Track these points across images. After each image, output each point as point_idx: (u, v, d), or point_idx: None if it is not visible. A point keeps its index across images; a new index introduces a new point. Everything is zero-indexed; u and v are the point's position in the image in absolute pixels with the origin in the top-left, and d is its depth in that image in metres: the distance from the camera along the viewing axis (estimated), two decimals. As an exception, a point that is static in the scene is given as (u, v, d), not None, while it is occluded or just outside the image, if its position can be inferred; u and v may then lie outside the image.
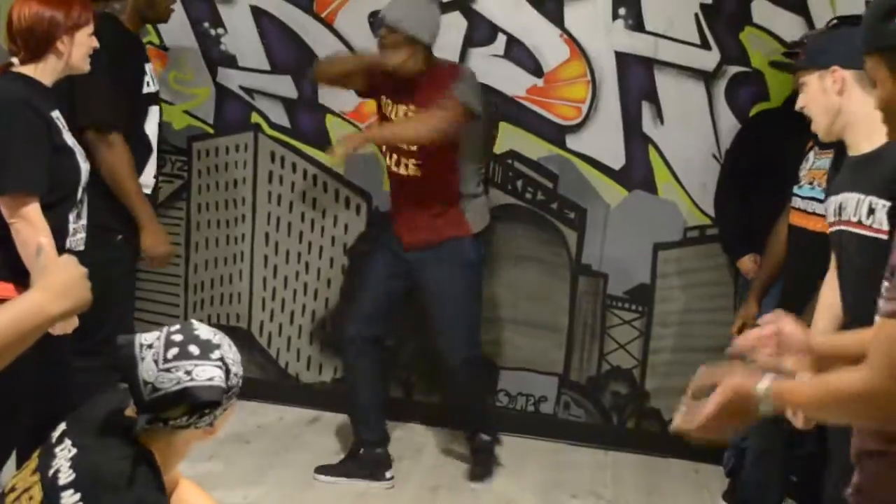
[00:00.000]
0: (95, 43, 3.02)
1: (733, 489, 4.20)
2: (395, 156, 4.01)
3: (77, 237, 3.07)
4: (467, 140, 3.96)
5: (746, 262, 4.15)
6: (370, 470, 4.14)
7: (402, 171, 4.02)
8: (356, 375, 4.22)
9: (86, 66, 3.01)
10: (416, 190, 4.02)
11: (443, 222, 4.04)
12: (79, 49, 2.95)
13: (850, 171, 2.56)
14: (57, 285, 1.73)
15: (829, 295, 2.75)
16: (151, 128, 3.76)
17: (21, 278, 2.88)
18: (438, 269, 4.04)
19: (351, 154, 3.86)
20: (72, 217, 3.02)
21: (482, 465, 4.25)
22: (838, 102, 2.61)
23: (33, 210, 2.83)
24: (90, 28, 2.98)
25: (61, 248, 2.89)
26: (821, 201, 3.19)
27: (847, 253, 2.55)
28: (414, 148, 3.91)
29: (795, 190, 3.36)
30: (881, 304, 1.70)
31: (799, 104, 2.77)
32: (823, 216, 3.17)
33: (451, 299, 4.07)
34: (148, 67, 3.79)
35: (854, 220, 2.46)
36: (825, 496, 3.00)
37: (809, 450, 3.60)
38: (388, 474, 4.15)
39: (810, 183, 3.28)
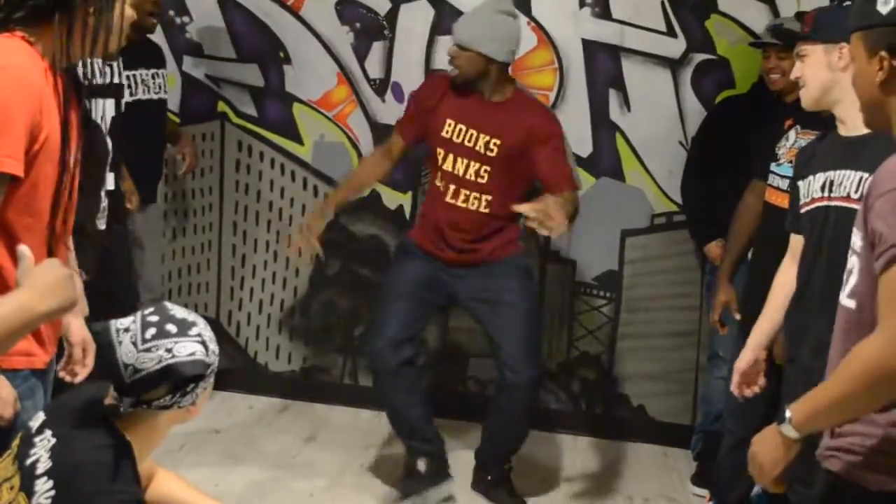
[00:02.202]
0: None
1: (701, 472, 4.24)
2: (462, 191, 3.76)
3: (102, 217, 3.08)
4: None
5: (713, 248, 4.18)
6: (433, 481, 3.91)
7: (464, 204, 3.77)
8: (396, 398, 3.89)
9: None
10: (475, 221, 3.79)
11: (503, 242, 3.85)
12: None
13: (846, 149, 2.60)
14: (43, 285, 1.73)
15: (787, 275, 2.83)
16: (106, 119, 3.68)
17: None
18: (505, 279, 3.81)
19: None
20: (101, 194, 3.03)
21: (514, 496, 3.99)
22: (837, 78, 2.66)
23: None
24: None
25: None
26: None
27: (832, 230, 2.59)
28: (482, 180, 3.73)
29: (773, 167, 3.35)
30: (876, 264, 1.74)
31: (794, 74, 2.79)
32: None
33: (519, 303, 3.81)
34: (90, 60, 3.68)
35: (855, 196, 2.49)
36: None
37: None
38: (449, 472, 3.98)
39: (790, 162, 3.27)
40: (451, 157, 3.77)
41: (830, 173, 2.62)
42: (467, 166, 3.74)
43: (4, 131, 1.94)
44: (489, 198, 3.75)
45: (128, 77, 4.10)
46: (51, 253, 2.10)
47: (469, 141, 3.74)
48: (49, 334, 2.25)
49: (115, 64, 3.69)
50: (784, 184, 3.28)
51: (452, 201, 3.78)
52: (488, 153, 3.72)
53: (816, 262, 2.68)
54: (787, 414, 1.92)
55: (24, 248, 1.79)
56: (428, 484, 3.88)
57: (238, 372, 4.94)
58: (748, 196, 3.58)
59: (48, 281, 1.74)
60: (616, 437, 4.73)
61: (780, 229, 3.32)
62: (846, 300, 1.92)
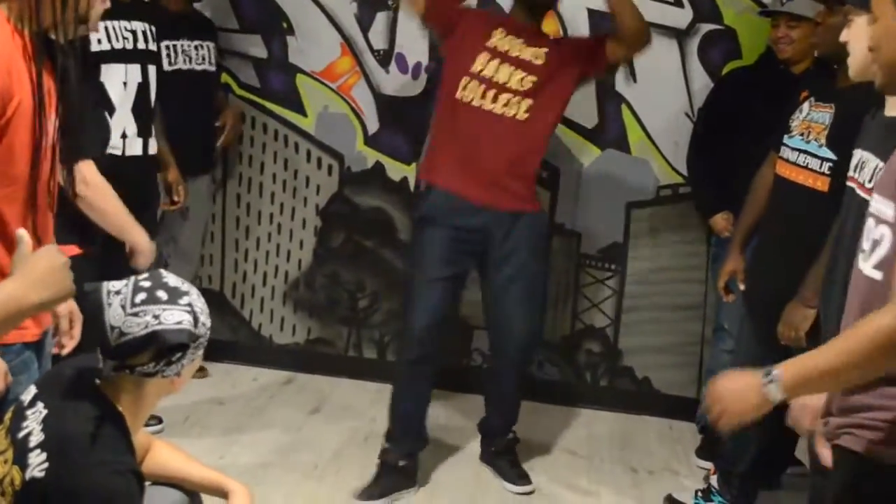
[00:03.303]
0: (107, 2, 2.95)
1: (706, 445, 4.24)
2: (501, 95, 3.62)
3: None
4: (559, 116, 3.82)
5: (719, 221, 4.15)
6: (405, 481, 3.81)
7: (501, 110, 3.61)
8: (414, 387, 3.85)
9: (97, 28, 2.91)
10: (510, 138, 3.62)
11: (525, 191, 3.74)
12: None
13: (879, 131, 2.45)
14: (36, 273, 1.70)
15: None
16: (114, 86, 3.67)
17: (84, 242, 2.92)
18: (521, 244, 3.71)
19: None
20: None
21: (518, 467, 3.97)
22: None
23: (95, 172, 2.83)
24: None
25: None
26: (813, 155, 3.17)
27: (855, 213, 2.43)
28: (529, 87, 3.63)
29: (785, 139, 3.31)
30: None
31: (843, 37, 2.71)
32: (811, 170, 3.17)
33: (530, 267, 3.75)
34: (103, 24, 3.64)
35: (868, 186, 2.40)
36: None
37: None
38: (416, 478, 3.86)
39: (801, 134, 3.23)
40: (495, 62, 3.65)
41: (863, 154, 2.53)
42: (510, 75, 3.64)
43: None
44: (530, 102, 3.62)
45: (167, 47, 4.10)
46: (33, 222, 2.07)
47: (518, 51, 3.67)
48: None
49: (143, 30, 3.69)
50: (794, 156, 3.25)
51: (490, 107, 3.62)
52: (536, 61, 3.66)
53: (842, 239, 2.60)
54: (775, 373, 1.85)
55: (22, 233, 1.76)
56: (404, 485, 3.80)
57: (242, 344, 4.94)
58: (766, 168, 3.53)
59: (43, 269, 1.71)
60: (621, 409, 4.73)
61: (788, 202, 3.30)
62: (871, 271, 1.87)
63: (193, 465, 2.40)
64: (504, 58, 3.66)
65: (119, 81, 3.64)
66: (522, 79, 3.64)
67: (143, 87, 3.67)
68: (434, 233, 3.72)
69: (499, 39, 3.69)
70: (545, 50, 3.68)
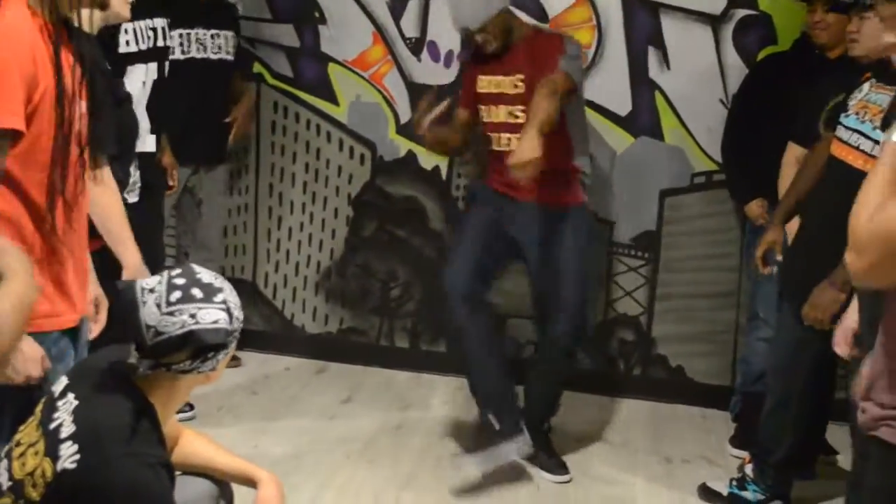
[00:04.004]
0: None
1: (740, 434, 4.21)
2: (503, 136, 3.79)
3: (135, 190, 3.08)
4: (572, 114, 3.80)
5: (754, 208, 4.12)
6: (513, 440, 3.83)
7: (508, 148, 3.68)
8: (471, 337, 3.88)
9: (127, 14, 2.91)
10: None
11: (564, 189, 3.84)
12: None
13: None
14: (27, 273, 1.69)
15: None
16: (134, 87, 3.69)
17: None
18: (568, 232, 3.81)
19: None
20: (132, 169, 3.03)
21: (556, 456, 3.96)
22: None
23: (108, 173, 2.84)
24: None
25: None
26: (866, 137, 3.10)
27: None
28: (518, 119, 3.69)
29: (842, 118, 3.23)
30: None
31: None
32: (863, 151, 3.10)
33: (574, 258, 3.82)
34: (133, 26, 3.70)
35: None
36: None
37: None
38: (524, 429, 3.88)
39: (857, 114, 3.15)
40: (489, 108, 3.82)
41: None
42: (500, 112, 3.79)
43: (2, 87, 1.92)
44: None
45: (181, 35, 4.11)
46: (50, 208, 2.08)
47: (497, 87, 3.79)
48: (77, 290, 2.23)
49: (163, 26, 3.70)
50: (848, 136, 3.15)
51: (499, 149, 3.80)
52: (516, 90, 3.74)
53: None
54: None
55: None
56: (499, 440, 3.81)
57: (275, 334, 4.96)
58: (821, 146, 3.45)
59: (27, 268, 1.71)
60: (654, 398, 4.70)
61: (838, 183, 3.20)
62: None
63: (222, 454, 2.40)
64: (493, 100, 3.81)
65: (139, 80, 3.65)
66: (511, 112, 3.77)
67: (157, 84, 3.68)
68: (475, 206, 4.08)
69: (484, 86, 3.84)
70: (521, 76, 3.72)
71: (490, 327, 3.96)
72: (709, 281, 4.62)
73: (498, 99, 3.80)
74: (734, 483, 3.72)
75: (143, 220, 3.14)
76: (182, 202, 4.42)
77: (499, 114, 3.80)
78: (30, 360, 2.07)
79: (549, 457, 3.97)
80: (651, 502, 3.78)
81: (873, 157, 3.03)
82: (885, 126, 3.02)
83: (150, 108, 3.68)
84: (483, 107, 3.86)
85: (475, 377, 3.93)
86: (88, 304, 2.37)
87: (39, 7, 2.02)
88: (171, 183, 4.15)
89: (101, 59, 2.22)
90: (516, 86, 3.74)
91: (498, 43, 3.75)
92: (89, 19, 2.12)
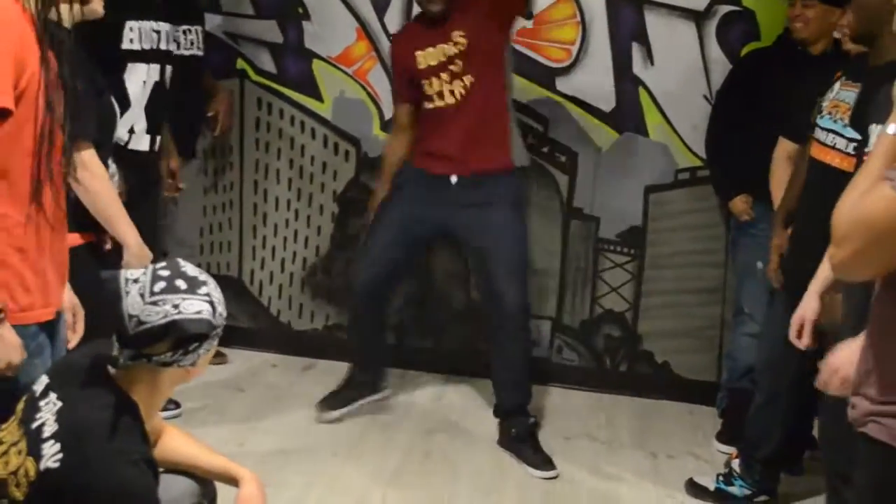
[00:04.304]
0: None
1: (726, 429, 4.22)
2: (446, 91, 3.86)
3: (115, 180, 3.10)
4: (507, 66, 3.94)
5: (738, 204, 4.12)
6: (368, 389, 4.28)
7: (446, 101, 3.87)
8: (363, 327, 4.27)
9: (100, 10, 2.91)
10: (462, 120, 3.87)
11: (497, 154, 3.93)
12: None
13: None
14: None
15: None
16: (135, 85, 3.69)
17: (83, 228, 2.94)
18: (497, 203, 3.93)
19: None
20: (108, 161, 3.03)
21: (542, 451, 3.98)
22: None
23: (94, 157, 2.85)
24: None
25: None
26: (840, 135, 3.13)
27: None
28: (465, 72, 3.83)
29: (817, 119, 3.27)
30: None
31: None
32: (839, 150, 3.12)
33: (511, 238, 3.96)
34: (139, 25, 3.71)
35: None
36: (820, 431, 3.03)
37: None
38: (384, 384, 4.35)
39: (830, 113, 3.18)
40: (433, 80, 3.88)
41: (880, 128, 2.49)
42: (446, 73, 3.87)
43: None
44: (471, 79, 3.84)
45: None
46: (35, 196, 2.07)
47: (440, 57, 3.86)
48: (55, 284, 2.22)
49: (167, 30, 3.74)
50: (827, 137, 3.18)
51: (443, 104, 3.89)
52: (457, 47, 3.83)
53: None
54: None
55: None
56: (365, 394, 4.26)
57: (261, 331, 4.95)
58: (800, 156, 3.50)
59: None
60: (640, 394, 4.71)
61: (820, 184, 3.24)
62: None
63: (204, 452, 2.40)
64: (435, 71, 3.87)
65: (139, 80, 3.67)
66: (452, 62, 3.85)
67: (158, 86, 3.70)
68: (404, 191, 4.12)
69: (423, 61, 3.89)
70: (461, 32, 3.82)
71: (383, 315, 4.34)
72: (694, 277, 4.63)
73: (442, 68, 3.86)
74: (721, 478, 3.73)
75: (136, 219, 3.14)
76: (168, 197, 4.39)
77: (445, 79, 3.87)
78: (10, 346, 2.06)
79: (535, 452, 3.98)
80: (638, 498, 3.78)
81: (848, 154, 3.06)
82: (853, 122, 3.06)
83: (149, 108, 3.69)
84: (425, 81, 3.90)
85: (361, 349, 4.31)
86: (66, 313, 2.36)
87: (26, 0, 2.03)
88: (180, 185, 4.16)
89: (81, 49, 2.22)
90: (457, 42, 3.83)
91: (441, 5, 3.83)
92: (69, 13, 2.12)
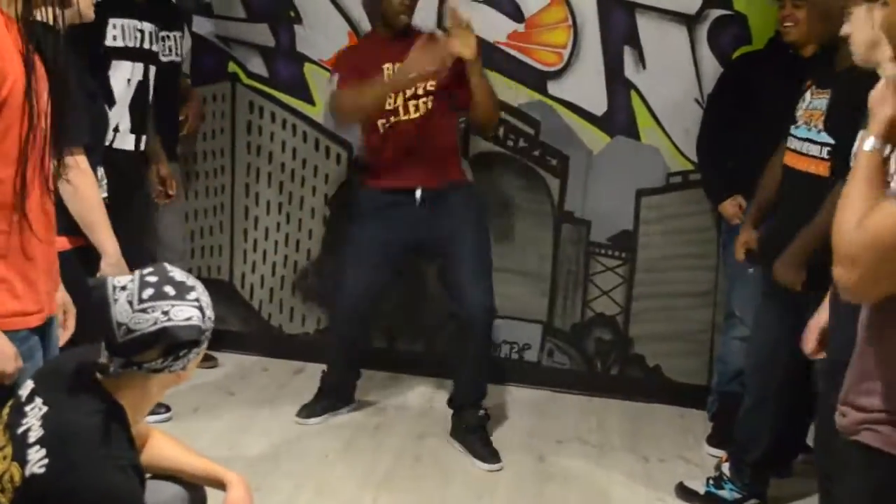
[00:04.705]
0: None
1: (717, 433, 4.22)
2: (410, 104, 3.90)
3: (102, 185, 3.12)
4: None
5: (728, 207, 4.13)
6: (343, 399, 4.36)
7: (410, 115, 3.91)
8: (346, 345, 4.31)
9: (91, 14, 2.92)
10: (422, 134, 3.91)
11: (453, 168, 4.04)
12: None
13: None
14: None
15: None
16: (119, 83, 3.69)
17: (74, 232, 2.94)
18: (460, 211, 3.99)
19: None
20: (99, 166, 3.05)
21: (489, 444, 4.05)
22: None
23: (85, 162, 2.87)
24: None
25: None
26: (813, 142, 3.17)
27: None
28: (431, 87, 3.88)
29: (792, 129, 3.31)
30: None
31: (843, 31, 2.68)
32: (812, 156, 3.17)
33: (474, 238, 4.01)
34: (121, 22, 3.71)
35: None
36: (816, 436, 3.03)
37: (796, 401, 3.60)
38: (354, 396, 4.42)
39: (806, 123, 3.23)
40: (396, 94, 3.90)
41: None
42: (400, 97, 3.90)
43: None
44: (431, 100, 3.91)
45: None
46: (20, 203, 2.06)
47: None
48: (45, 288, 2.21)
49: (151, 31, 3.79)
50: (802, 146, 3.24)
51: (406, 118, 3.91)
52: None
53: None
54: None
55: None
56: (344, 404, 4.36)
57: (252, 335, 4.94)
58: (776, 158, 3.52)
59: None
60: (631, 397, 4.71)
61: (794, 191, 3.29)
62: None
63: (190, 456, 2.39)
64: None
65: (124, 78, 3.68)
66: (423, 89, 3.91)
67: (142, 85, 3.74)
68: (368, 222, 4.15)
69: (389, 71, 3.92)
70: None
71: (365, 338, 4.51)
72: (686, 280, 4.64)
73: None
74: (711, 482, 3.73)
75: (121, 219, 3.13)
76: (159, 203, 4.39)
77: (398, 98, 3.90)
78: (4, 356, 2.05)
79: (483, 445, 4.02)
80: (629, 501, 3.78)
81: (822, 159, 3.12)
82: (827, 127, 3.08)
83: (133, 107, 3.69)
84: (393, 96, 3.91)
85: (338, 360, 4.35)
86: (57, 309, 2.36)
87: (8, 5, 2.01)
88: (170, 192, 4.16)
89: (71, 53, 2.21)
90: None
91: (409, 19, 3.93)
92: (53, 18, 2.11)
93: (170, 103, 4.31)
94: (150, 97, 3.80)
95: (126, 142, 3.70)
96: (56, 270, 2.30)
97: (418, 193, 3.97)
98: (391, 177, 4.01)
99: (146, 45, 3.75)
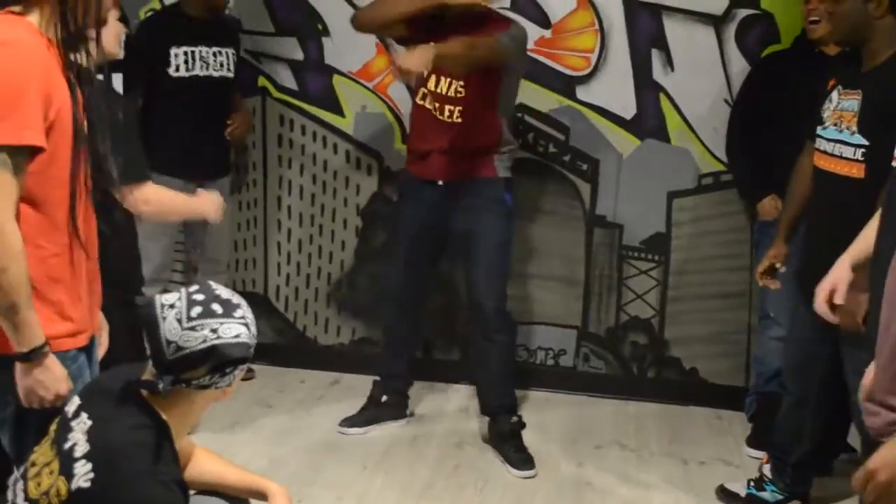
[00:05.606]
0: (123, 28, 3.01)
1: (756, 434, 4.20)
2: (437, 104, 3.92)
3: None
4: (504, 97, 3.97)
5: (766, 205, 4.10)
6: (394, 412, 4.34)
7: (446, 118, 3.92)
8: (395, 334, 4.34)
9: (117, 51, 2.97)
10: (457, 134, 3.91)
11: (482, 164, 3.99)
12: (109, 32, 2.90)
13: None
14: None
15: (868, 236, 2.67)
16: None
17: None
18: (475, 204, 3.98)
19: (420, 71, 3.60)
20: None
21: (523, 451, 4.04)
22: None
23: (154, 190, 3.07)
24: (116, 11, 2.94)
25: None
26: (846, 143, 3.13)
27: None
28: (461, 94, 3.86)
29: (819, 131, 3.27)
30: None
31: None
32: (846, 158, 3.13)
33: (487, 237, 4.00)
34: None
35: None
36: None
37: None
38: (407, 411, 4.40)
39: (835, 124, 3.19)
40: (433, 76, 3.88)
41: None
42: (449, 84, 3.89)
43: (20, 104, 1.94)
44: (460, 108, 3.89)
45: (185, 53, 4.15)
46: (72, 225, 2.10)
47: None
48: (91, 307, 2.25)
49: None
50: (830, 147, 3.21)
51: (440, 116, 3.92)
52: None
53: (890, 222, 2.53)
54: None
55: None
56: (391, 417, 4.33)
57: (288, 347, 4.96)
58: (804, 158, 3.49)
59: None
60: (669, 400, 4.70)
61: (829, 193, 3.26)
62: None
63: (232, 469, 2.41)
64: (440, 71, 3.83)
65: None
66: (456, 87, 3.88)
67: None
68: (409, 203, 4.20)
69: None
70: None
71: (416, 326, 4.40)
72: (720, 281, 4.62)
73: (443, 69, 3.83)
74: (752, 484, 3.71)
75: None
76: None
77: (443, 85, 3.90)
78: (58, 378, 2.09)
79: (517, 451, 4.02)
80: (668, 505, 3.77)
81: (857, 161, 3.07)
82: (862, 130, 3.05)
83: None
84: (431, 74, 3.87)
85: (387, 362, 4.35)
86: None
87: (49, 29, 2.05)
88: None
89: (99, 89, 2.27)
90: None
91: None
92: (88, 55, 2.15)
93: (221, 119, 4.38)
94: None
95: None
96: (98, 287, 2.34)
97: (440, 183, 4.01)
98: (419, 165, 4.06)
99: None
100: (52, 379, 2.08)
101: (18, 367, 2.06)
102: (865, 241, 2.59)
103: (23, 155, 1.97)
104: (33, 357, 2.05)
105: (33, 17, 2.05)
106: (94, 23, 2.11)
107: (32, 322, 2.02)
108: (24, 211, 2.03)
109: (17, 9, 2.05)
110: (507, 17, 3.99)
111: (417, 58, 3.51)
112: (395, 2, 3.84)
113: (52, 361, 2.08)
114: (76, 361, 2.19)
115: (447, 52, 3.58)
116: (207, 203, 3.23)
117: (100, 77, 2.22)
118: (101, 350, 2.47)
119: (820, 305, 2.78)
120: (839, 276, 2.73)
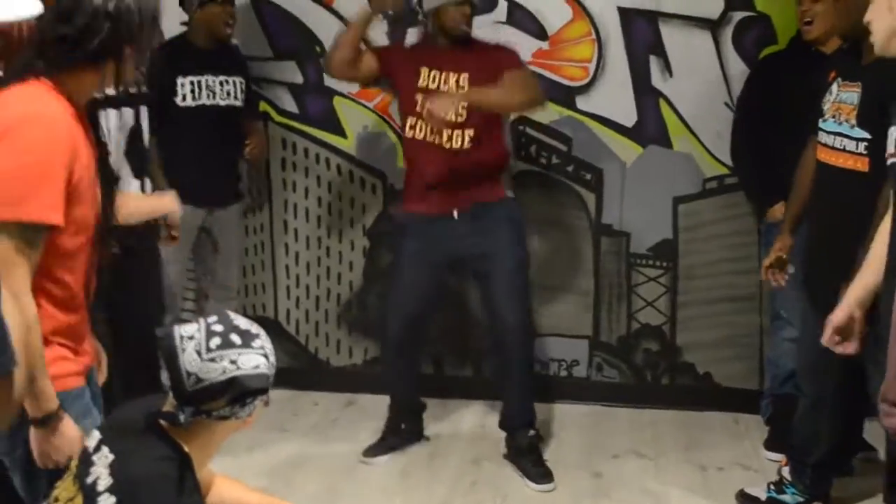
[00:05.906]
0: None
1: (774, 437, 4.18)
2: (446, 131, 3.84)
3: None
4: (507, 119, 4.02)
5: (776, 211, 4.05)
6: (413, 438, 4.32)
7: (452, 145, 3.88)
8: (400, 369, 4.30)
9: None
10: (465, 161, 3.88)
11: (492, 186, 3.98)
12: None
13: None
14: None
15: (880, 245, 2.64)
16: (110, 130, 3.71)
17: None
18: (490, 227, 3.95)
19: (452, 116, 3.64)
20: None
21: (542, 465, 4.03)
22: None
23: None
24: None
25: None
26: (848, 137, 3.13)
27: None
28: (462, 117, 3.79)
29: (820, 123, 3.27)
30: None
31: (866, 17, 2.65)
32: (849, 152, 3.13)
33: (507, 258, 3.97)
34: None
35: None
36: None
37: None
38: (426, 433, 4.39)
39: (834, 117, 3.19)
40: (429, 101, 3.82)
41: None
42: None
43: (47, 183, 2.00)
44: (471, 133, 3.85)
45: (191, 83, 4.17)
46: (86, 288, 2.17)
47: (441, 83, 3.89)
48: (88, 339, 2.30)
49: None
50: (831, 140, 3.21)
51: (438, 142, 3.88)
52: (460, 89, 3.85)
53: None
54: None
55: None
56: (410, 441, 4.30)
57: (301, 370, 4.96)
58: (809, 153, 3.49)
59: None
60: (684, 406, 4.68)
61: (832, 187, 3.25)
62: None
63: (252, 495, 2.43)
64: (434, 95, 3.81)
65: (113, 126, 3.65)
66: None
67: (135, 131, 3.69)
68: (409, 242, 4.14)
69: (425, 78, 3.92)
70: (466, 74, 3.86)
71: (416, 360, 4.39)
72: (729, 285, 4.61)
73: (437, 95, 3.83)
74: (772, 487, 3.69)
75: (137, 265, 3.18)
76: (199, 243, 4.46)
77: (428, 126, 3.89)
78: (74, 440, 2.13)
79: (535, 465, 4.01)
80: (689, 512, 3.76)
81: (860, 154, 3.07)
82: (862, 123, 3.05)
83: (130, 154, 3.69)
84: (421, 97, 3.86)
85: (396, 390, 4.33)
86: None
87: (78, 96, 2.10)
88: (174, 234, 4.18)
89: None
90: (461, 84, 3.85)
91: (458, 32, 3.86)
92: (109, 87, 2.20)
93: (230, 147, 4.40)
94: (146, 140, 3.79)
95: (130, 187, 3.70)
96: (90, 320, 2.37)
97: (455, 213, 3.96)
98: (426, 203, 3.99)
99: (132, 89, 3.60)
100: (66, 443, 2.12)
101: (33, 431, 2.10)
102: (873, 273, 2.60)
103: (42, 231, 2.03)
104: (48, 422, 2.09)
105: (65, 86, 2.09)
106: (120, 84, 2.17)
107: (47, 389, 2.06)
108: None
109: (57, 77, 2.09)
110: (510, 48, 4.03)
111: (449, 105, 3.60)
112: (335, 46, 3.97)
113: (65, 425, 2.11)
114: (82, 398, 2.21)
115: (484, 100, 3.70)
116: (166, 200, 3.17)
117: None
118: (101, 377, 2.48)
119: (829, 340, 2.79)
120: (846, 315, 2.72)
